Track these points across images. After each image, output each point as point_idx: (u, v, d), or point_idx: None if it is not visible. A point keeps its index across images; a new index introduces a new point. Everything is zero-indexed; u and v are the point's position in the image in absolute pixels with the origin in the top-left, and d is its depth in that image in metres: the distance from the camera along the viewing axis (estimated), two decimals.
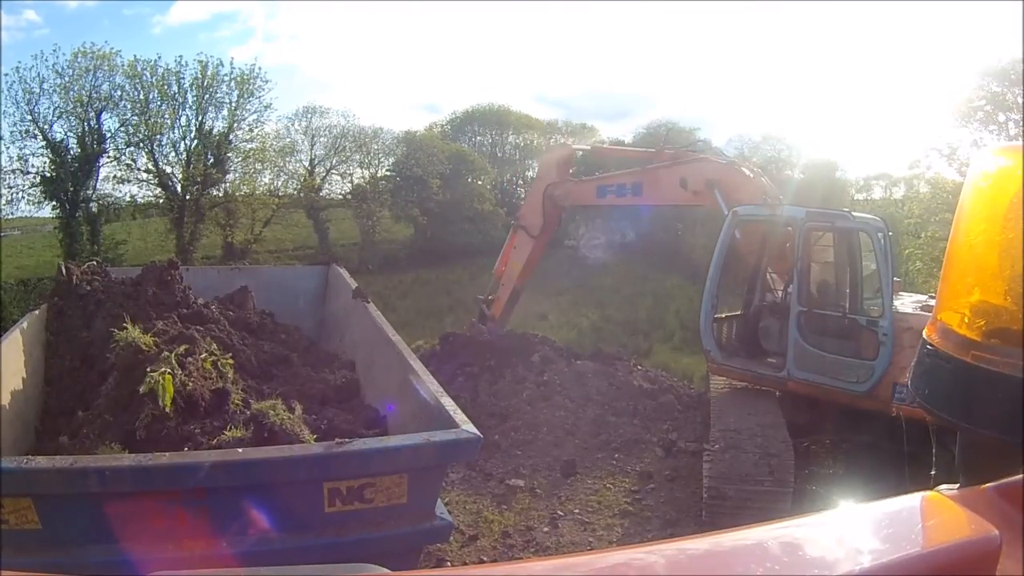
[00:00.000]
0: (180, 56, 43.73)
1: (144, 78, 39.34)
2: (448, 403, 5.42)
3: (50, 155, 38.02)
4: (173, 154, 40.82)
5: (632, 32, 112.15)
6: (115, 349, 5.80)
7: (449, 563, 8.32)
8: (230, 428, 5.10)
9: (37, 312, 7.63)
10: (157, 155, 40.37)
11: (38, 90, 37.81)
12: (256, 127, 43.11)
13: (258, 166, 43.30)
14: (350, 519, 4.59)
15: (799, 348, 11.01)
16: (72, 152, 38.60)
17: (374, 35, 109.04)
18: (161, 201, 41.31)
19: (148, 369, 5.22)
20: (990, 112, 33.37)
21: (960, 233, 2.45)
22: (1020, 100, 32.80)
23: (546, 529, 9.60)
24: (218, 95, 41.23)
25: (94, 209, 38.99)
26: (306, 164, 47.00)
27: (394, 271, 43.69)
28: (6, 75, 37.19)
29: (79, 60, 37.94)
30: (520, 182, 56.25)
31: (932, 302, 9.86)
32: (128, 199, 41.28)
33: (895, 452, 9.48)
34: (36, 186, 37.84)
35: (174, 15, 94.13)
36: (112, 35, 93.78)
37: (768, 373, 11.61)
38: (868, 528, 1.60)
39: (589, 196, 16.19)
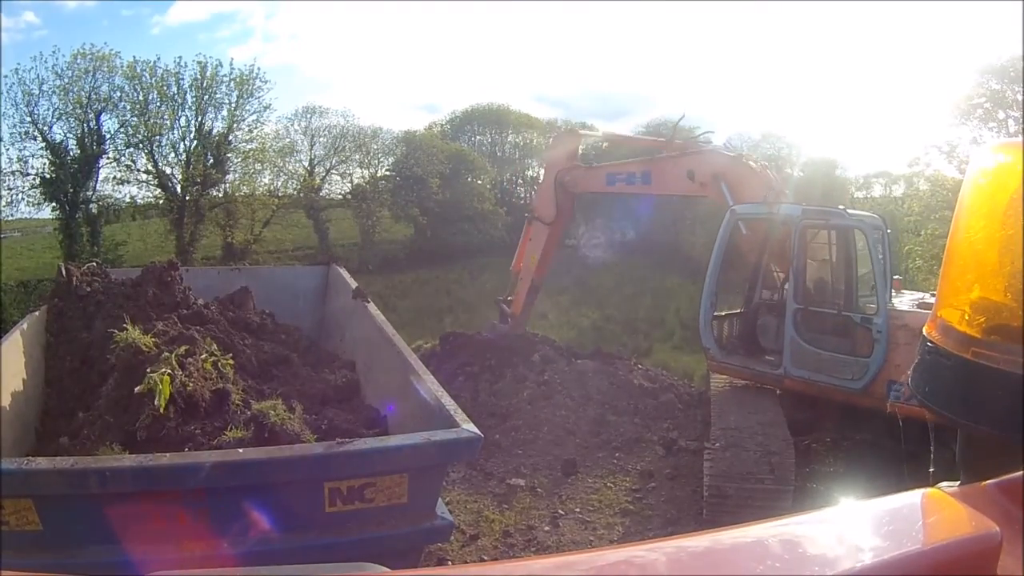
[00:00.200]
0: (179, 57, 44.19)
1: (143, 79, 39.57)
2: (448, 402, 5.41)
3: (50, 156, 38.14)
4: (173, 155, 41.09)
5: (631, 31, 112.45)
6: (115, 350, 5.81)
7: (450, 562, 8.32)
8: (231, 428, 5.11)
9: (37, 313, 7.63)
10: (157, 156, 40.62)
11: (37, 91, 38.00)
12: (256, 127, 43.34)
13: (258, 166, 43.49)
14: (351, 519, 4.59)
15: (795, 345, 11.04)
16: (72, 153, 38.74)
17: (373, 35, 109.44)
18: (161, 202, 41.50)
19: (148, 370, 5.23)
20: (989, 109, 33.44)
21: (960, 230, 2.45)
22: (1020, 97, 32.84)
23: (547, 528, 9.60)
24: (217, 96, 41.45)
25: (94, 210, 39.11)
26: (306, 164, 47.18)
27: (394, 271, 43.72)
28: (5, 77, 37.46)
29: (78, 61, 38.17)
30: (520, 181, 56.40)
31: (930, 299, 9.90)
32: (128, 200, 41.58)
33: (896, 450, 9.49)
34: (36, 187, 37.96)
35: (173, 15, 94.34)
36: (111, 36, 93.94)
37: (766, 371, 11.65)
38: (869, 525, 1.60)
39: (599, 183, 16.25)
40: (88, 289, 7.36)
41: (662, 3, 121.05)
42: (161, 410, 5.02)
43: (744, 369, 12.03)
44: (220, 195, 42.06)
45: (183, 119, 40.86)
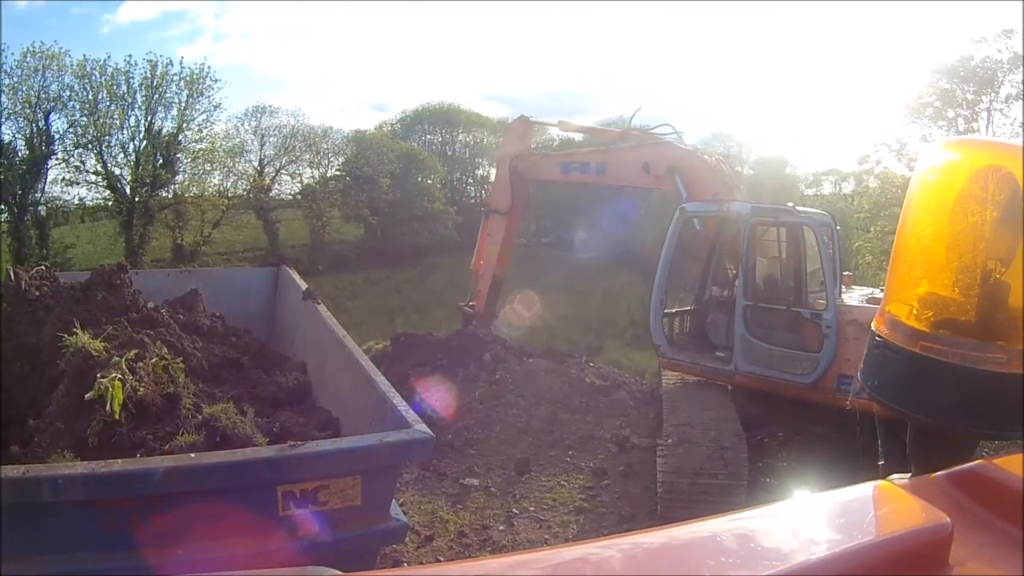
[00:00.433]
0: (129, 56, 43.39)
1: (93, 78, 39.13)
2: (400, 403, 5.40)
3: None
4: (122, 155, 40.64)
5: (581, 29, 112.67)
6: (65, 355, 5.75)
7: (406, 564, 8.29)
8: (182, 433, 5.07)
9: None
10: (106, 156, 40.16)
11: None
12: (206, 127, 43.07)
13: (207, 167, 43.20)
14: (305, 522, 4.57)
15: (745, 342, 11.14)
16: (20, 154, 38.14)
17: (324, 34, 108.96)
18: (110, 204, 41.00)
19: (98, 375, 5.18)
20: (939, 108, 33.96)
21: (908, 226, 2.48)
22: (969, 96, 33.33)
23: (502, 527, 9.60)
24: (167, 95, 41.10)
25: (43, 212, 38.65)
26: (255, 164, 46.83)
27: (344, 271, 43.61)
28: None
29: (27, 60, 37.59)
30: (470, 180, 56.51)
31: (879, 295, 10.02)
32: (77, 202, 41.11)
33: (847, 443, 9.59)
34: None
35: (123, 14, 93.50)
36: (61, 35, 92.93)
37: (717, 367, 11.74)
38: (822, 518, 1.62)
39: (554, 171, 16.32)
40: (37, 293, 7.27)
41: (612, 2, 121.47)
42: (116, 416, 4.97)
43: (695, 365, 12.11)
44: (170, 196, 41.72)
45: (133, 119, 40.49)
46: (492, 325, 16.65)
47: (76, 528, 4.07)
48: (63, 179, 39.66)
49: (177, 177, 41.76)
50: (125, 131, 40.29)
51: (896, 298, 2.51)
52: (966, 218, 2.25)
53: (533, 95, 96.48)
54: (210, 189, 43.34)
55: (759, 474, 10.46)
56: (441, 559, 8.69)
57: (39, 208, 38.44)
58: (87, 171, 39.97)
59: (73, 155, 39.61)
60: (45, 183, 39.09)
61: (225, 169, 44.70)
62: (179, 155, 41.59)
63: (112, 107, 39.57)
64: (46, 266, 7.93)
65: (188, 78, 41.23)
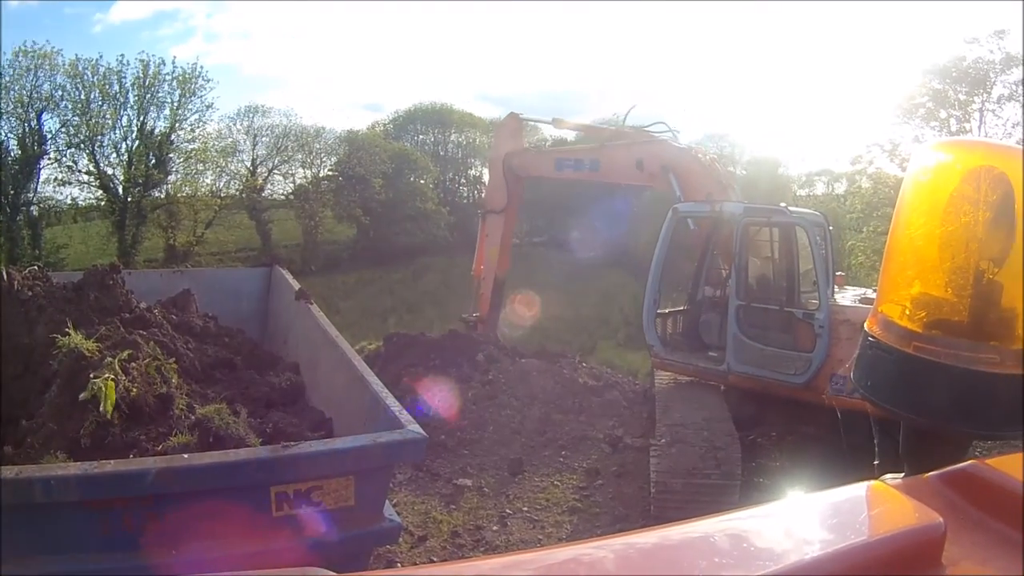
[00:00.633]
0: (122, 55, 43.37)
1: (85, 78, 39.16)
2: (393, 403, 5.40)
3: None
4: (114, 155, 40.73)
5: (574, 30, 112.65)
6: (58, 356, 5.73)
7: (399, 564, 8.29)
8: (175, 434, 5.05)
9: None
10: (98, 156, 40.16)
11: None
12: (198, 127, 43.10)
13: (200, 167, 43.23)
14: (298, 522, 4.56)
15: (738, 342, 11.13)
16: (12, 154, 38.04)
17: (316, 34, 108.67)
18: (102, 203, 40.95)
19: (91, 375, 5.16)
20: (932, 109, 34.06)
21: (900, 227, 2.49)
22: (961, 97, 33.44)
23: (495, 528, 9.60)
24: (160, 95, 41.19)
25: (35, 212, 38.52)
26: (248, 164, 46.78)
27: (337, 272, 43.65)
28: None
29: (19, 59, 37.50)
30: (463, 181, 56.50)
31: (871, 295, 10.03)
32: (69, 202, 40.98)
33: (841, 443, 9.60)
34: None
35: (115, 14, 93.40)
36: (53, 34, 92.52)
37: (709, 367, 11.74)
38: (815, 518, 1.62)
39: (548, 168, 16.29)
40: (29, 293, 7.24)
41: (605, 2, 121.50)
42: (108, 416, 4.96)
43: (688, 365, 12.11)
44: (162, 196, 41.69)
45: (125, 118, 40.55)
46: (488, 333, 16.60)
47: (69, 529, 4.07)
48: (55, 179, 39.73)
49: (170, 177, 41.85)
50: (117, 131, 40.45)
51: (889, 299, 2.52)
52: (959, 219, 2.26)
53: (526, 95, 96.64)
54: (203, 189, 43.43)
55: (752, 474, 10.46)
56: (435, 560, 8.69)
57: (31, 208, 38.39)
58: (79, 171, 40.08)
59: (65, 155, 39.72)
60: (37, 183, 39.15)
61: (218, 169, 44.79)
62: (171, 155, 41.62)
63: (104, 107, 39.66)
64: (39, 266, 7.90)
65: (180, 78, 41.34)
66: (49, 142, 39.02)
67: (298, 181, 48.36)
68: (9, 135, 38.16)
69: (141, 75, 40.20)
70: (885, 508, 1.71)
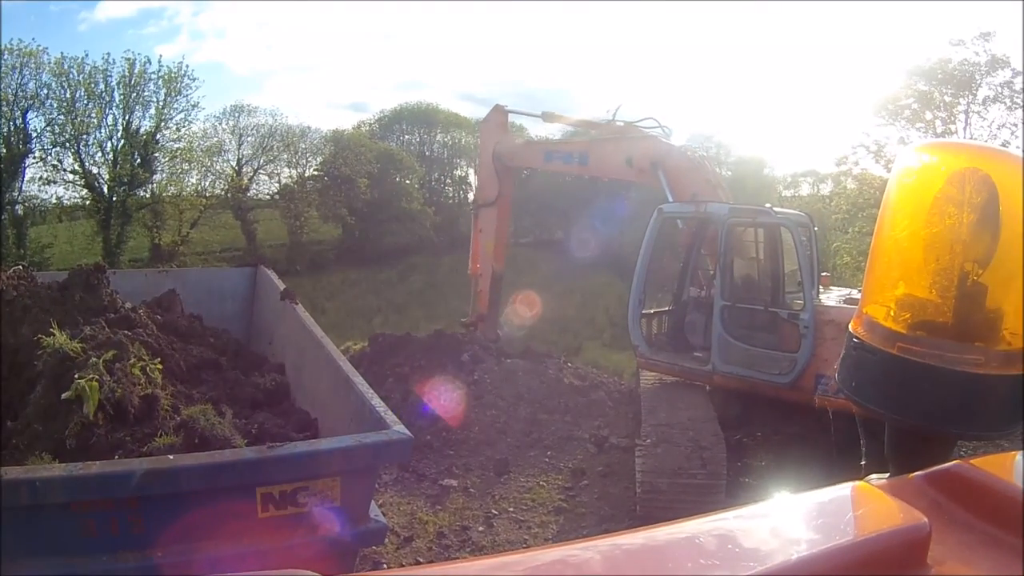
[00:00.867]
0: (107, 53, 43.13)
1: (71, 76, 39.01)
2: (378, 404, 5.39)
3: None
4: (100, 154, 40.56)
5: (558, 30, 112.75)
6: (42, 356, 5.71)
7: (386, 565, 8.29)
8: (160, 435, 5.03)
9: None
10: (83, 155, 40.01)
11: None
12: (183, 126, 42.91)
13: (185, 166, 43.06)
14: (284, 524, 4.55)
15: (723, 342, 11.15)
16: None
17: (301, 33, 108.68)
18: (88, 203, 40.77)
19: (76, 376, 5.15)
20: (917, 110, 34.14)
21: (885, 228, 2.50)
22: (947, 99, 33.55)
23: (481, 528, 9.60)
24: (145, 94, 41.03)
25: (20, 211, 38.31)
26: (233, 164, 46.64)
27: (322, 272, 43.61)
28: None
29: (4, 57, 37.12)
30: (448, 181, 56.54)
31: (856, 295, 10.06)
32: (54, 201, 40.79)
33: (826, 443, 9.63)
34: None
35: (101, 12, 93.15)
36: (39, 32, 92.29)
37: (695, 367, 11.76)
38: (800, 519, 1.63)
39: (537, 159, 16.39)
40: (14, 293, 7.21)
41: (588, 3, 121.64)
42: (91, 417, 4.94)
43: (673, 366, 12.12)
44: (147, 196, 41.58)
45: (110, 117, 40.48)
46: (489, 329, 16.59)
47: (54, 531, 4.05)
48: (40, 178, 39.53)
49: (155, 176, 41.75)
50: (103, 130, 40.35)
51: (874, 300, 2.52)
52: (943, 220, 2.27)
53: (509, 95, 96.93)
54: (188, 189, 43.32)
55: (738, 474, 10.48)
56: (421, 560, 8.69)
57: (16, 207, 38.19)
58: (65, 170, 39.91)
59: (51, 154, 39.56)
60: (22, 182, 39.00)
61: (203, 169, 44.66)
62: (157, 154, 41.53)
63: (90, 105, 39.53)
64: (23, 266, 7.87)
65: (166, 77, 41.21)
66: (34, 141, 38.97)
67: (283, 181, 48.34)
68: None
69: (127, 74, 40.12)
70: (870, 508, 1.71)
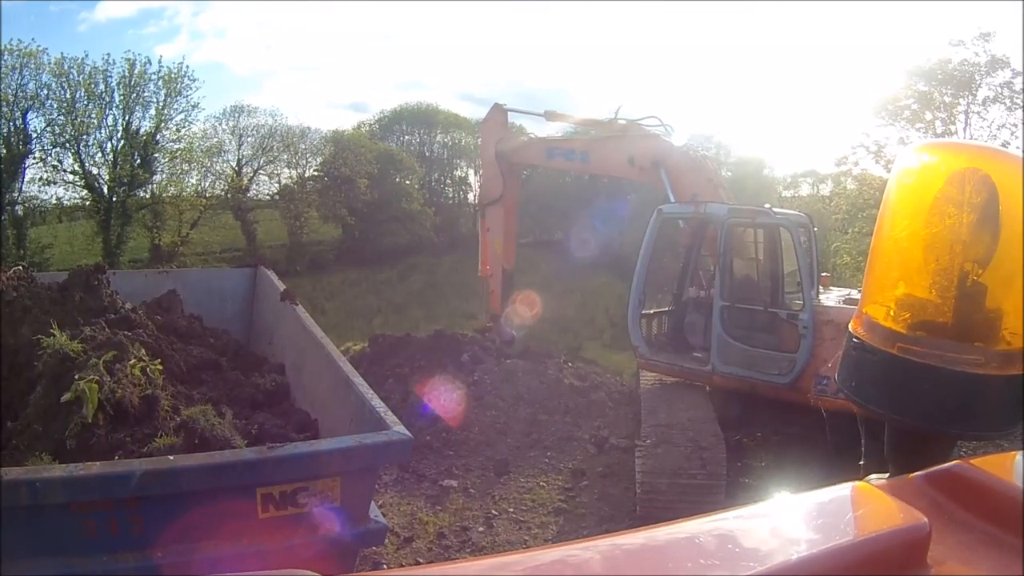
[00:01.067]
0: (107, 54, 43.14)
1: (71, 76, 39.06)
2: (378, 405, 5.39)
3: None
4: (100, 155, 40.58)
5: (558, 30, 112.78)
6: (42, 357, 5.70)
7: (386, 565, 8.29)
8: (161, 435, 5.03)
9: None
10: (83, 156, 40.03)
11: None
12: (183, 127, 42.95)
13: (185, 166, 43.06)
14: (285, 524, 4.55)
15: (722, 342, 11.16)
16: None
17: (301, 33, 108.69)
18: (87, 203, 40.77)
19: (76, 377, 5.14)
20: (917, 111, 34.13)
21: (885, 228, 2.50)
22: (947, 99, 33.55)
23: (481, 529, 9.60)
24: (145, 94, 41.06)
25: (20, 212, 38.30)
26: (233, 164, 46.63)
27: (322, 272, 43.63)
28: None
29: (4, 58, 37.14)
30: (448, 181, 56.51)
31: (856, 295, 10.06)
32: (54, 201, 40.81)
33: (826, 443, 9.64)
34: None
35: (101, 12, 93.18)
36: (38, 32, 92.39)
37: (694, 368, 11.76)
38: (800, 519, 1.63)
39: (539, 155, 16.24)
40: (14, 294, 7.21)
41: (588, 3, 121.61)
42: (91, 418, 4.94)
43: (673, 366, 12.13)
44: (147, 196, 41.57)
45: (110, 118, 40.54)
46: (504, 330, 16.58)
47: (54, 531, 4.05)
48: (40, 178, 39.55)
49: (155, 177, 41.79)
50: (103, 130, 40.40)
51: (873, 300, 2.52)
52: (943, 220, 2.27)
53: (509, 95, 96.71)
54: (188, 189, 43.35)
55: (738, 474, 10.49)
56: (420, 561, 8.68)
57: (16, 207, 38.19)
58: (64, 170, 39.94)
59: (51, 154, 39.60)
60: (22, 182, 39.01)
61: (203, 169, 44.68)
62: (157, 155, 41.56)
63: (90, 106, 39.58)
64: (23, 266, 7.86)
65: (166, 77, 41.23)
66: (34, 141, 39.00)
67: (283, 181, 48.38)
68: None
69: (127, 74, 40.19)
70: (870, 508, 1.71)
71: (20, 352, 6.37)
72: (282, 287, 9.05)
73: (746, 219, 11.65)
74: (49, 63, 38.40)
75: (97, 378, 5.09)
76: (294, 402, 7.24)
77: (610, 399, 13.93)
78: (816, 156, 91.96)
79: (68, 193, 40.83)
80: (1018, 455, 1.83)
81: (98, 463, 4.29)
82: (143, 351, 5.98)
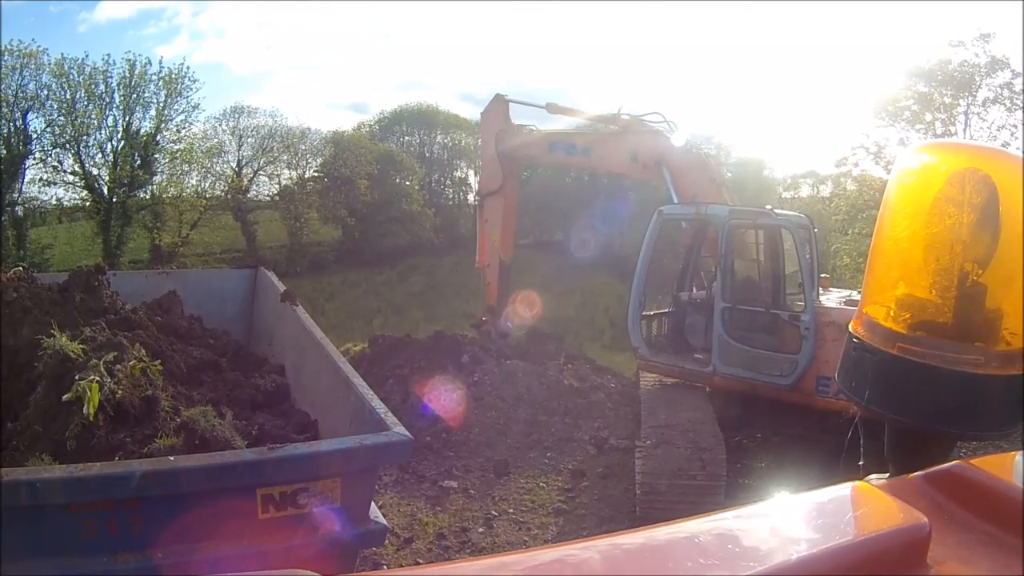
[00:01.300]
0: (108, 55, 43.19)
1: (71, 77, 39.10)
2: (378, 405, 5.38)
3: None
4: (100, 155, 40.63)
5: (558, 30, 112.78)
6: (43, 357, 5.70)
7: (386, 566, 8.29)
8: (161, 436, 5.02)
9: None
10: (84, 156, 40.09)
11: None
12: (184, 127, 42.96)
13: (185, 167, 43.04)
14: (285, 525, 4.55)
15: (724, 343, 11.15)
16: None
17: (301, 33, 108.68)
18: (88, 204, 40.81)
19: (76, 377, 5.14)
20: (917, 112, 34.15)
21: (885, 228, 2.50)
22: (947, 100, 33.57)
23: (481, 530, 9.60)
24: (145, 95, 41.07)
25: (20, 212, 38.29)
26: (233, 165, 46.63)
27: (322, 273, 43.66)
28: None
29: (4, 58, 37.13)
30: (448, 182, 56.52)
31: (856, 296, 10.06)
32: (54, 202, 40.90)
33: (826, 444, 9.63)
34: None
35: (100, 12, 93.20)
36: (38, 33, 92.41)
37: (695, 369, 11.75)
38: (800, 519, 1.63)
39: (540, 149, 16.13)
40: (15, 295, 7.21)
41: (588, 3, 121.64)
42: (90, 419, 4.93)
43: (674, 367, 12.12)
44: (147, 197, 41.58)
45: (110, 118, 40.61)
46: (500, 322, 16.55)
47: (54, 532, 4.05)
48: (40, 179, 39.65)
49: (155, 178, 41.84)
50: (103, 131, 40.48)
51: (873, 300, 2.52)
52: (943, 220, 2.27)
53: (509, 95, 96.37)
54: (188, 190, 43.31)
55: (737, 475, 10.50)
56: (420, 561, 8.68)
57: (16, 208, 38.19)
58: (65, 171, 40.02)
59: (51, 155, 39.69)
60: (22, 183, 39.03)
61: (203, 170, 44.66)
62: (157, 155, 41.57)
63: (90, 107, 39.65)
64: (24, 267, 7.86)
65: (166, 78, 41.25)
66: (34, 142, 39.08)
67: (283, 182, 48.41)
68: None
69: (127, 75, 40.25)
70: (870, 508, 1.71)
71: (20, 353, 6.36)
72: (282, 288, 9.04)
73: (747, 220, 11.65)
74: (49, 64, 38.55)
75: (97, 379, 5.08)
76: (294, 403, 7.24)
77: (610, 400, 13.93)
78: (816, 157, 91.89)
79: (68, 194, 41.03)
80: (1018, 455, 1.83)
81: (98, 464, 4.29)
82: (143, 352, 5.98)
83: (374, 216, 47.20)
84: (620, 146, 13.80)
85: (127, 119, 40.47)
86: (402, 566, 8.42)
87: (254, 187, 47.62)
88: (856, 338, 2.53)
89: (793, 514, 1.68)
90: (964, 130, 33.62)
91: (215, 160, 45.56)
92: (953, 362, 2.24)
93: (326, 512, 4.61)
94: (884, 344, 2.38)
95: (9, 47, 36.98)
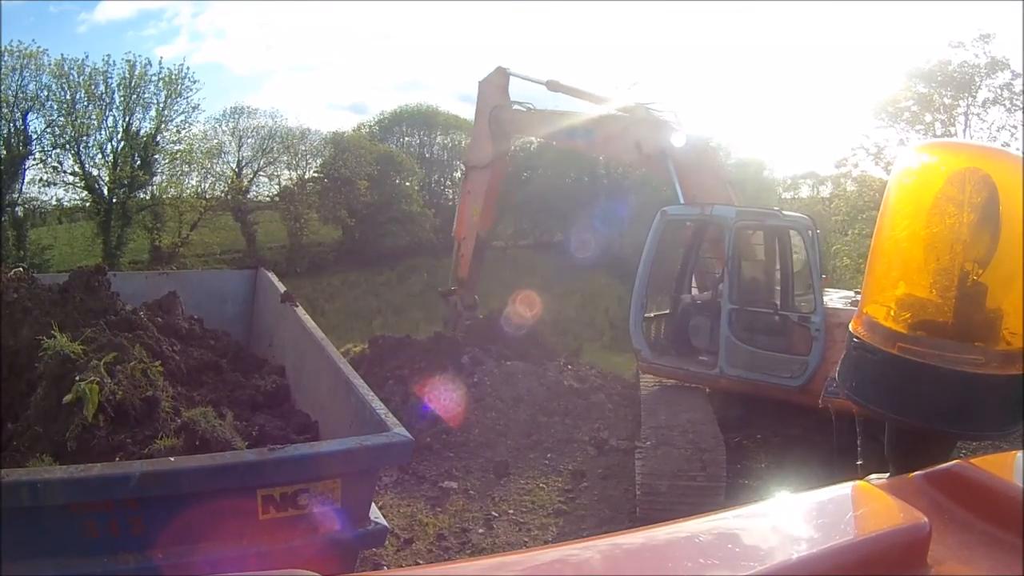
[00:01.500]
0: (108, 55, 43.15)
1: (71, 77, 38.94)
2: (378, 406, 5.39)
3: None
4: (100, 156, 40.46)
5: (559, 30, 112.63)
6: (43, 358, 5.70)
7: (385, 567, 8.29)
8: (161, 437, 5.02)
9: None
10: (83, 157, 39.94)
11: None
12: (184, 128, 42.85)
13: (185, 168, 42.94)
14: (285, 526, 4.55)
15: (731, 345, 11.10)
16: None
17: (301, 33, 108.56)
18: (88, 204, 40.74)
19: (76, 378, 5.14)
20: (917, 112, 34.15)
21: (885, 228, 2.49)
22: (946, 101, 33.58)
23: (481, 530, 9.60)
24: (145, 95, 40.95)
25: (20, 213, 38.24)
26: (233, 166, 46.51)
27: (322, 274, 43.58)
28: None
29: (4, 59, 36.96)
30: (448, 183, 56.39)
31: (858, 297, 10.07)
32: (54, 203, 40.80)
33: (826, 445, 9.62)
34: None
35: (100, 13, 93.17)
36: (38, 33, 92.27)
37: (700, 371, 11.70)
38: (800, 518, 1.63)
39: (538, 128, 16.12)
40: (15, 295, 7.20)
41: (588, 3, 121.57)
42: (89, 419, 4.93)
43: (677, 370, 12.06)
44: (147, 197, 41.54)
45: (111, 119, 40.41)
46: (467, 295, 16.51)
47: (55, 532, 4.05)
48: (40, 180, 39.47)
49: (155, 178, 41.69)
50: (103, 131, 40.28)
51: (874, 300, 2.52)
52: (943, 220, 2.27)
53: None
54: (188, 191, 43.20)
55: (737, 476, 10.48)
56: (420, 562, 8.68)
57: (16, 209, 38.11)
58: (65, 172, 39.87)
59: (51, 155, 39.51)
60: (22, 183, 38.93)
61: (203, 170, 44.51)
62: (157, 156, 41.47)
63: (90, 107, 39.50)
64: (24, 267, 7.86)
65: (166, 79, 41.18)
66: (34, 142, 38.91)
67: (283, 183, 48.22)
68: None
69: (127, 75, 40.10)
70: (870, 508, 1.71)
71: (21, 353, 6.36)
72: (282, 288, 9.05)
73: (754, 222, 11.62)
74: (49, 64, 38.39)
75: (98, 379, 5.08)
76: (294, 404, 7.24)
77: (610, 401, 13.92)
78: (816, 158, 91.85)
79: (68, 194, 40.88)
80: (1018, 455, 1.84)
81: (99, 464, 4.29)
82: (144, 353, 5.98)
83: (374, 217, 47.12)
84: (624, 133, 13.63)
85: (127, 120, 40.40)
86: (402, 567, 8.42)
87: (254, 188, 47.50)
88: (856, 338, 2.53)
89: (793, 514, 1.68)
90: (964, 131, 33.61)
91: (215, 161, 45.44)
92: (953, 362, 2.24)
93: (326, 513, 4.61)
94: (884, 344, 2.38)
95: (9, 47, 36.95)
